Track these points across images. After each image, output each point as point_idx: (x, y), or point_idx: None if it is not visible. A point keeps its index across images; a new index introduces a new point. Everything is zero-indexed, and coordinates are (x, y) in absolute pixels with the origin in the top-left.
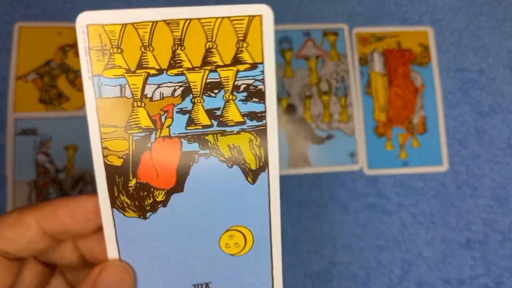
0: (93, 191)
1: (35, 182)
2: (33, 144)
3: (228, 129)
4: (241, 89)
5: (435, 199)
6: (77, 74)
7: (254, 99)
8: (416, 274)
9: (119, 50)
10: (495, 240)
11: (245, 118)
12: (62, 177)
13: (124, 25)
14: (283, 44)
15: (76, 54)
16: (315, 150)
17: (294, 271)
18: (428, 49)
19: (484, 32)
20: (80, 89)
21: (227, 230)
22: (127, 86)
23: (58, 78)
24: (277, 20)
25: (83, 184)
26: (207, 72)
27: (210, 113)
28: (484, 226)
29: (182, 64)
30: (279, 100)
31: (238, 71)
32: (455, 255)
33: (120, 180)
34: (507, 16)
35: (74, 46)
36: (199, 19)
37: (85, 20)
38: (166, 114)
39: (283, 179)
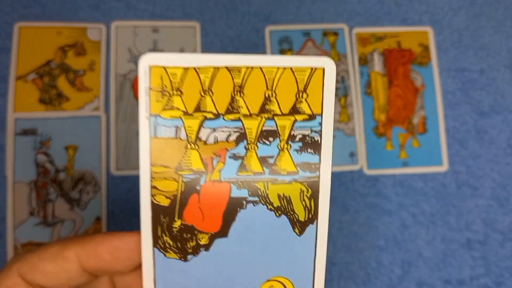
0: (93, 191)
1: (35, 182)
2: (33, 144)
3: (279, 178)
4: (297, 139)
5: (435, 199)
6: (77, 74)
7: (309, 150)
8: (416, 274)
9: (179, 93)
10: (495, 240)
11: (298, 168)
12: (62, 177)
13: (187, 69)
14: (283, 44)
15: (76, 54)
16: None
17: None
18: (428, 49)
19: (484, 32)
20: (80, 89)
21: (268, 280)
22: (182, 128)
23: (58, 78)
24: (277, 20)
25: (83, 184)
26: (264, 119)
27: (263, 160)
28: (484, 226)
29: (239, 110)
30: None
31: (295, 121)
32: (455, 255)
33: (165, 220)
34: (507, 16)
35: (74, 46)
36: (261, 67)
37: (148, 61)
38: (218, 158)
39: None
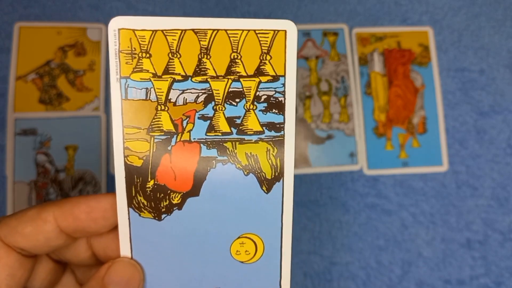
0: (93, 192)
1: (35, 182)
2: (33, 144)
3: (246, 137)
4: (262, 99)
5: (435, 199)
6: (77, 74)
7: (273, 110)
8: (416, 274)
9: (148, 55)
10: (495, 240)
11: (264, 128)
12: (62, 177)
13: (154, 31)
14: None
15: (76, 54)
16: (315, 150)
17: (294, 271)
18: (428, 49)
19: (484, 32)
20: (80, 89)
21: (239, 237)
22: (152, 90)
23: (58, 78)
24: None
25: (83, 184)
26: (230, 81)
27: (230, 121)
28: (484, 226)
29: (206, 72)
30: None
31: (260, 82)
32: (455, 255)
33: (138, 180)
34: (507, 16)
35: (74, 46)
36: (226, 30)
37: (117, 24)
38: (188, 119)
39: None
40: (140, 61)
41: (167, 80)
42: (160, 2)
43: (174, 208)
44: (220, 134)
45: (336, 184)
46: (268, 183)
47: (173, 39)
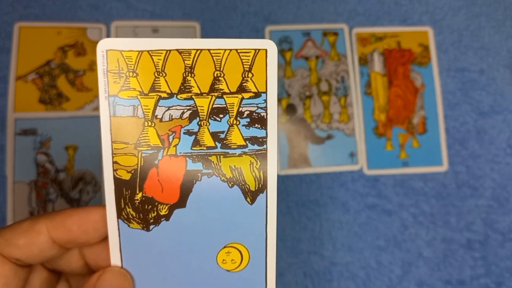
0: (93, 191)
1: (35, 182)
2: (33, 144)
3: (230, 151)
4: (245, 115)
5: (435, 199)
6: (77, 74)
7: (256, 125)
8: (416, 274)
9: (135, 74)
10: (495, 240)
11: (247, 142)
12: (62, 177)
13: (141, 52)
14: (283, 44)
15: (76, 54)
16: (315, 150)
17: (294, 271)
18: (428, 49)
19: (484, 32)
20: (80, 89)
21: (225, 247)
22: (139, 107)
23: (58, 78)
24: (277, 20)
25: (83, 184)
26: (214, 98)
27: (214, 135)
28: (484, 226)
29: (191, 89)
30: (279, 100)
31: (242, 98)
32: (456, 255)
33: (127, 193)
34: (507, 16)
35: (73, 46)
36: (209, 50)
37: (105, 45)
38: (174, 134)
39: (283, 179)
40: (128, 80)
41: (154, 98)
42: (160, 2)
43: (162, 219)
44: (205, 148)
45: (336, 184)
46: (252, 194)
47: (158, 59)
